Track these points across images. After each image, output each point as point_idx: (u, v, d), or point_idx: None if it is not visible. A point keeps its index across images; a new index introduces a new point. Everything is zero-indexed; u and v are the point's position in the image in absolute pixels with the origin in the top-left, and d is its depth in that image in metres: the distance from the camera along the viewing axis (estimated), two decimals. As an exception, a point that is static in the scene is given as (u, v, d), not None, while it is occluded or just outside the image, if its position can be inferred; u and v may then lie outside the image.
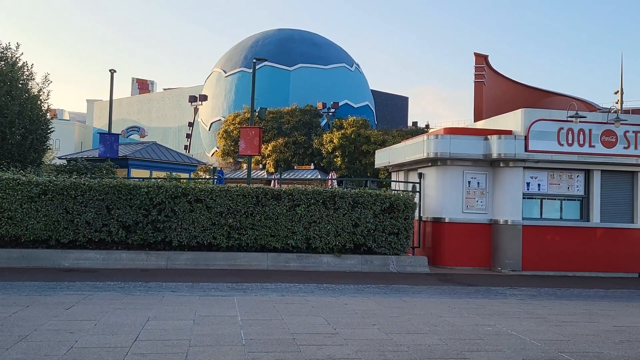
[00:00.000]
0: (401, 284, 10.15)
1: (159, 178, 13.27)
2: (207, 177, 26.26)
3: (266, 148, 35.67)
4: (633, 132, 12.73)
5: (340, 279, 10.49)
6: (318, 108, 39.57)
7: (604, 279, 12.23)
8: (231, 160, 40.07)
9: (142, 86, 69.34)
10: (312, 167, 36.17)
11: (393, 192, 12.78)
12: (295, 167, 36.51)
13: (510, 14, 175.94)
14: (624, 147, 12.68)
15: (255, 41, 48.29)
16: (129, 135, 39.51)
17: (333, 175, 31.35)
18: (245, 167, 30.41)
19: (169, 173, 15.36)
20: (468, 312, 7.68)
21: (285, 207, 11.61)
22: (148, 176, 19.77)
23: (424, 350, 5.54)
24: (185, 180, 13.18)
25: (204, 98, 47.64)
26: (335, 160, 34.58)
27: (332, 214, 11.77)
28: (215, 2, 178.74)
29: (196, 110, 49.80)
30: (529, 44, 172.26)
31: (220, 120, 45.21)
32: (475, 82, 60.20)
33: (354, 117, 36.46)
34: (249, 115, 24.27)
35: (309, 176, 33.55)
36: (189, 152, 45.83)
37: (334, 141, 34.49)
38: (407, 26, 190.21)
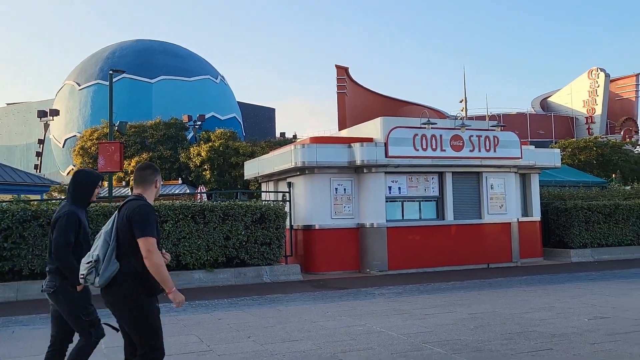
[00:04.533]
0: (275, 294, 10.16)
1: (4, 201, 11.94)
2: (63, 197, 24.19)
3: (129, 164, 33.84)
4: (476, 136, 14.07)
5: (213, 294, 10.23)
6: (184, 121, 38.43)
7: (460, 271, 13.30)
8: (90, 178, 37.35)
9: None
10: (179, 181, 34.99)
11: (264, 202, 12.79)
12: (162, 183, 35.05)
13: (370, 27, 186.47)
14: (470, 150, 13.96)
15: (111, 52, 45.66)
16: (-34, 156, 35.14)
17: (202, 188, 30.60)
18: (106, 185, 28.76)
19: (15, 196, 13.89)
20: (340, 314, 7.90)
21: (151, 225, 11.05)
22: (-9, 200, 17.69)
23: (298, 357, 5.58)
24: (36, 203, 12.00)
25: (55, 113, 43.87)
26: (204, 173, 33.83)
27: (203, 229, 11.47)
28: (57, 13, 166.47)
29: (47, 126, 45.72)
30: (388, 56, 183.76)
31: (75, 136, 41.97)
32: (338, 93, 62.87)
33: (222, 130, 36.00)
34: (107, 130, 22.84)
35: (176, 191, 32.35)
36: (40, 171, 41.93)
37: (202, 154, 33.74)
38: (271, 38, 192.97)
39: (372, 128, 13.95)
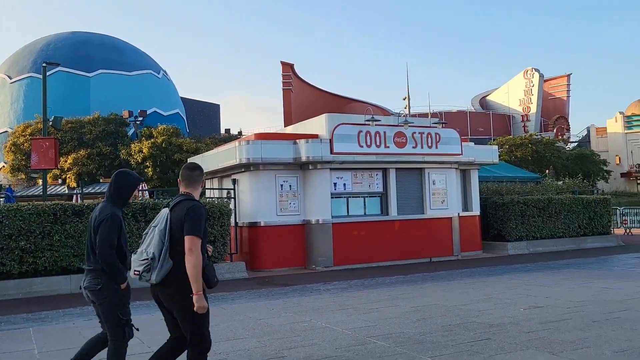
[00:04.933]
0: (220, 292, 10.01)
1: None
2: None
3: (65, 161, 32.46)
4: (419, 133, 14.38)
5: (155, 294, 9.96)
6: (124, 117, 37.18)
7: (404, 265, 13.56)
8: (23, 176, 35.58)
9: None
10: (120, 179, 33.80)
11: (208, 199, 12.58)
12: (101, 181, 33.80)
13: (315, 24, 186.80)
14: (413, 147, 14.24)
15: (46, 44, 43.59)
16: None
17: (144, 186, 29.75)
18: (40, 183, 27.31)
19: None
20: (286, 311, 7.88)
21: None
22: None
23: (243, 356, 5.52)
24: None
25: (-16, 107, 41.53)
26: (146, 170, 32.90)
27: (144, 227, 11.14)
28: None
29: (-26, 121, 43.18)
30: (334, 54, 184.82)
31: (7, 131, 39.82)
32: (283, 89, 62.65)
33: (165, 126, 35.10)
34: (41, 126, 21.78)
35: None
36: (-33, 169, 39.57)
37: (144, 151, 32.80)
38: (215, 34, 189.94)
39: (318, 125, 13.99)
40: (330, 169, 13.51)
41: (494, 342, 5.72)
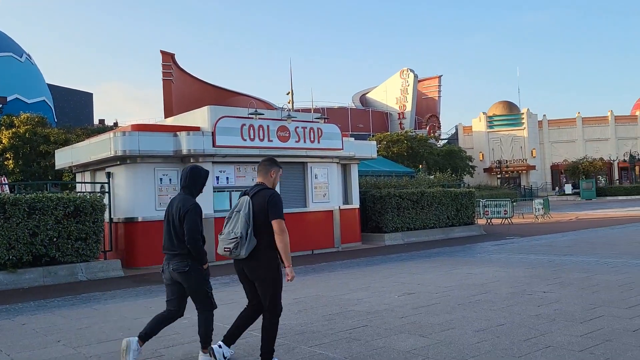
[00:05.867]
0: (92, 292, 9.42)
1: None
2: None
3: None
4: (302, 127, 14.58)
5: (17, 297, 9.12)
6: (-21, 103, 33.51)
7: (286, 258, 13.69)
8: None
9: None
10: (-26, 172, 30.47)
11: (78, 194, 11.73)
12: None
13: (199, 16, 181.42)
14: (296, 141, 14.41)
15: None
16: None
17: (4, 180, 27.02)
18: None
19: None
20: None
21: None
22: None
23: (116, 358, 5.24)
24: None
25: None
26: (6, 163, 29.89)
27: (3, 224, 10.14)
28: None
29: None
30: (220, 48, 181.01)
31: None
32: (163, 79, 60.29)
33: (28, 114, 32.12)
34: None
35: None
36: None
37: (4, 142, 29.78)
38: (88, 16, 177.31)
39: (200, 117, 13.63)
40: (213, 162, 13.24)
41: (370, 329, 5.99)
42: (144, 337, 4.93)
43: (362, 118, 63.50)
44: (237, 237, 4.40)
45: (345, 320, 6.45)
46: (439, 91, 69.39)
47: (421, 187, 18.82)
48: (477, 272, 9.99)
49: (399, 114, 65.02)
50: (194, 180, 4.87)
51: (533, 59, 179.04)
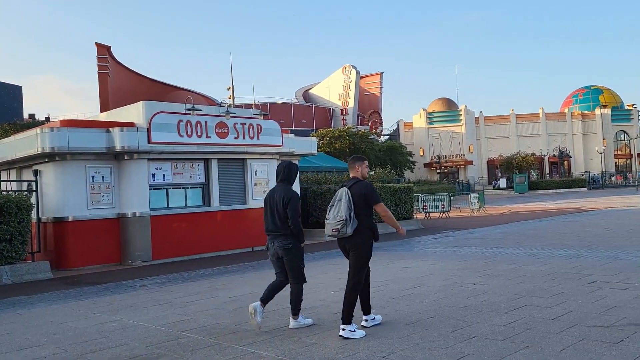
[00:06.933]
0: (17, 296, 8.96)
1: None
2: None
3: None
4: (241, 124, 14.43)
5: None
6: None
7: (226, 256, 13.55)
8: None
9: None
10: None
11: (3, 193, 11.13)
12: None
13: (144, 9, 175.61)
14: (235, 137, 14.25)
15: None
16: None
17: None
18: None
19: None
20: (94, 312, 7.35)
21: None
22: None
23: (39, 365, 5.01)
24: None
25: None
26: None
27: None
28: None
29: None
30: (164, 41, 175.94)
31: None
32: (99, 73, 58.16)
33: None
34: None
35: None
36: None
37: None
38: (14, 8, 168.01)
39: (134, 112, 13.22)
40: (148, 159, 12.89)
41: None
42: (264, 300, 5.85)
43: (306, 114, 63.62)
44: (342, 220, 5.36)
45: (279, 317, 6.45)
46: (381, 87, 70.47)
47: (361, 183, 19.05)
48: (413, 265, 10.24)
49: (341, 110, 65.56)
50: (289, 173, 5.91)
51: (471, 57, 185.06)
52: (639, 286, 7.18)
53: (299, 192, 12.73)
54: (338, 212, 5.43)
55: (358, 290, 5.56)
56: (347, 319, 5.42)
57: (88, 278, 10.88)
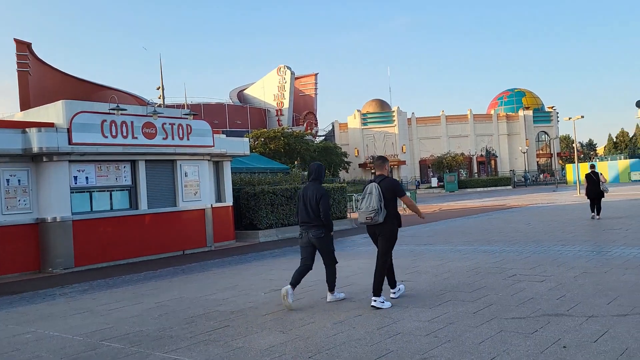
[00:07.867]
0: None
1: None
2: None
3: None
4: (169, 124, 14.03)
5: None
6: None
7: (155, 261, 13.12)
8: None
9: None
10: None
11: None
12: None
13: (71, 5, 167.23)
14: (163, 138, 13.83)
15: None
16: None
17: None
18: None
19: None
20: (7, 323, 6.89)
21: None
22: None
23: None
24: None
25: None
26: None
27: None
28: None
29: None
30: (91, 39, 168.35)
31: None
32: (18, 70, 55.01)
33: None
34: None
35: None
36: None
37: None
38: None
39: (54, 112, 12.54)
40: (70, 161, 12.27)
41: (231, 329, 5.89)
42: (293, 284, 6.70)
43: (240, 114, 62.94)
44: (375, 209, 6.31)
45: (206, 322, 6.29)
46: (316, 88, 70.85)
47: (295, 184, 19.03)
48: (344, 264, 10.28)
49: (276, 110, 65.35)
50: (319, 173, 6.97)
51: (402, 59, 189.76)
52: (553, 278, 7.56)
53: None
54: (370, 203, 6.36)
55: (385, 269, 6.50)
56: (377, 292, 6.37)
57: (2, 288, 10.20)
